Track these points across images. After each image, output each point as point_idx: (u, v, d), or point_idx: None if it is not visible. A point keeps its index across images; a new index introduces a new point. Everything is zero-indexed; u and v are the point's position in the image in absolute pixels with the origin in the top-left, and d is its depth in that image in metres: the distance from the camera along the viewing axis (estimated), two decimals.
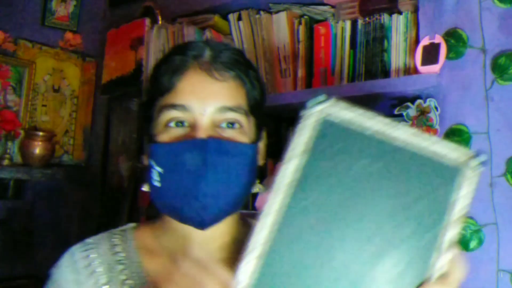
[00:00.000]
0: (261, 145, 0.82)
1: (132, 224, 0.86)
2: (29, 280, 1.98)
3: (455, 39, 1.16)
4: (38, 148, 1.92)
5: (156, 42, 1.75)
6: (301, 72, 1.46)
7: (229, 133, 0.73)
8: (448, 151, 0.55)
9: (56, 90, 2.10)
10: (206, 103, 0.72)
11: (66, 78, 2.14)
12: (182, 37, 1.67)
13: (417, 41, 1.23)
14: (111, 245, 0.80)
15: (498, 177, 1.07)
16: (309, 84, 1.45)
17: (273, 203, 0.55)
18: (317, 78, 1.43)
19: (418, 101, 1.18)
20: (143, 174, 1.87)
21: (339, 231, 0.54)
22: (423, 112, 1.17)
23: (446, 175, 0.54)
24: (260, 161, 0.81)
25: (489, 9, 1.12)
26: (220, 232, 0.78)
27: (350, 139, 0.56)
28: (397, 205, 0.54)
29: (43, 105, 2.06)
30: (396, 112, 1.21)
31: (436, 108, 1.15)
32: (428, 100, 1.16)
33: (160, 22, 1.87)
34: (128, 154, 1.96)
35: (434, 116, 1.15)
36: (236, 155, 0.73)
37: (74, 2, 2.18)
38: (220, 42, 0.78)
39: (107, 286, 0.75)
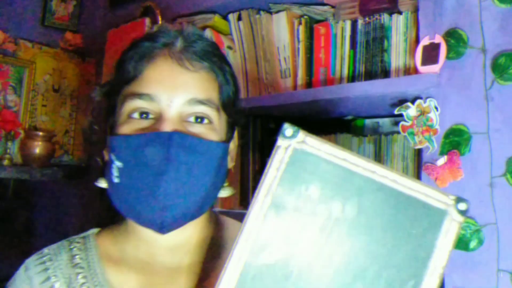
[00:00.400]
0: (232, 145, 0.76)
1: (94, 230, 0.79)
2: None
3: (455, 39, 1.16)
4: (38, 148, 1.92)
5: None
6: (301, 72, 1.46)
7: (197, 129, 0.67)
8: (434, 192, 0.51)
9: (56, 90, 2.10)
10: (174, 94, 0.66)
11: (66, 78, 2.14)
12: None
13: (417, 41, 1.23)
14: (70, 255, 0.73)
15: (498, 177, 1.07)
16: (309, 84, 1.45)
17: (232, 256, 0.48)
18: (317, 78, 1.43)
19: (418, 101, 1.18)
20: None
21: (309, 283, 0.47)
22: (423, 112, 1.17)
23: (434, 218, 0.50)
24: (230, 163, 0.75)
25: (489, 9, 1.12)
26: (187, 236, 0.73)
27: (331, 174, 0.50)
28: (382, 249, 0.49)
29: (43, 105, 2.06)
30: (396, 112, 1.21)
31: (436, 108, 1.15)
32: (428, 100, 1.16)
33: (160, 22, 1.87)
34: None
35: (434, 116, 1.15)
36: (203, 153, 0.66)
37: (74, 2, 2.18)
38: (194, 32, 0.72)
39: None
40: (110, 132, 0.71)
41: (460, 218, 0.50)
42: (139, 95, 0.66)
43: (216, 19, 1.67)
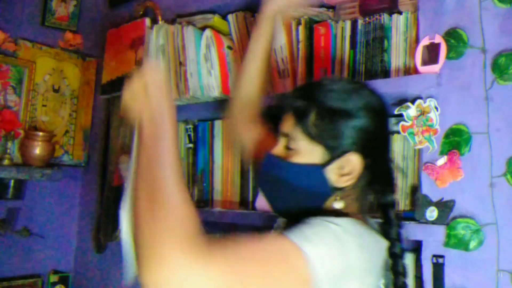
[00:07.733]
0: None
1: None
2: (29, 280, 1.99)
3: (455, 39, 1.16)
4: (38, 148, 1.92)
5: (156, 42, 1.75)
6: (301, 72, 1.45)
7: None
8: None
9: (56, 90, 2.10)
10: None
11: (66, 78, 2.14)
12: (182, 37, 1.67)
13: (417, 41, 1.23)
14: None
15: (498, 177, 1.07)
16: None
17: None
18: (317, 78, 1.43)
19: (418, 101, 1.18)
20: None
21: None
22: (423, 112, 1.17)
23: None
24: None
25: (489, 9, 1.12)
26: None
27: None
28: None
29: (43, 105, 2.06)
30: (396, 112, 1.21)
31: (436, 108, 1.15)
32: (428, 100, 1.16)
33: (160, 22, 1.87)
34: (128, 154, 1.96)
35: (434, 116, 1.15)
36: None
37: (74, 2, 2.18)
38: None
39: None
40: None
41: None
42: None
43: (216, 19, 1.67)
